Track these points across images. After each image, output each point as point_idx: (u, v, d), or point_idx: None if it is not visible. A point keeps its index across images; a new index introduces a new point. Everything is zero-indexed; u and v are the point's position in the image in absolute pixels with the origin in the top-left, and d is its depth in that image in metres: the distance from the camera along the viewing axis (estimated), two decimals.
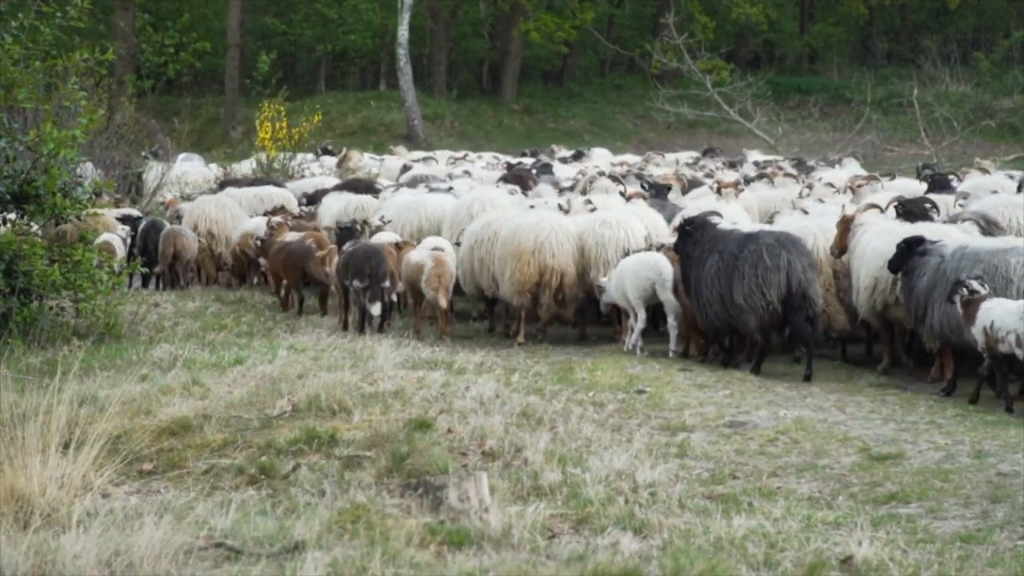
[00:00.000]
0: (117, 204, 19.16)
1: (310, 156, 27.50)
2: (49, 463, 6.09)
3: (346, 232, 13.09)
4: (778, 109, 40.88)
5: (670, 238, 12.33)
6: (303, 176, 24.15)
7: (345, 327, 12.82)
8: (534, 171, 22.26)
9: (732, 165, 26.08)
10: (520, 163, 25.46)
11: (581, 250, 12.65)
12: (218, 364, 9.39)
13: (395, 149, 31.85)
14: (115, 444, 6.78)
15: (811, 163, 26.84)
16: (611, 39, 49.82)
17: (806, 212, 13.99)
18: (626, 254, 12.23)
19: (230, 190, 18.90)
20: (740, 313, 10.85)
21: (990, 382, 9.56)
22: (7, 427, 6.43)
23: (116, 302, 11.59)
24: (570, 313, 13.00)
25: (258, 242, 15.32)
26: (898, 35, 54.93)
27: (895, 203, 12.69)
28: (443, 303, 12.49)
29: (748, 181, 19.88)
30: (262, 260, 15.27)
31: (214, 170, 25.88)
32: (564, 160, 27.98)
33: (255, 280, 16.27)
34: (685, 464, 7.53)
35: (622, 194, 15.80)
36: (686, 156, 29.46)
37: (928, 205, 12.71)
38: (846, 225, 11.58)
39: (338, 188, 18.45)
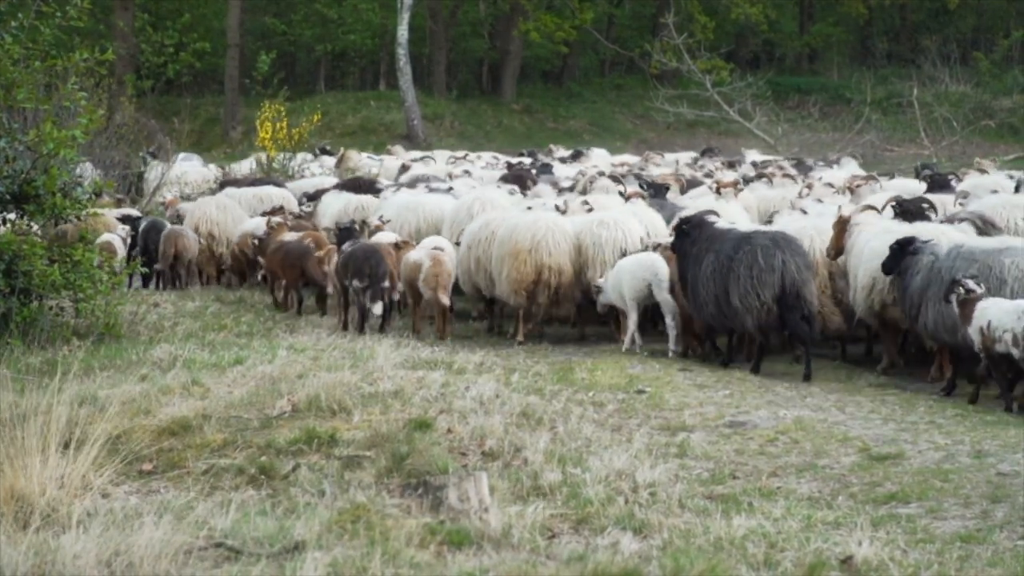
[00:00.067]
0: (119, 204, 19.17)
1: (308, 156, 27.49)
2: (49, 463, 6.09)
3: (345, 232, 13.09)
4: (778, 109, 40.90)
5: (668, 238, 12.34)
6: (303, 176, 24.15)
7: (345, 327, 12.82)
8: (534, 171, 22.28)
9: (731, 165, 26.09)
10: (520, 163, 25.47)
11: (579, 250, 12.68)
12: (218, 364, 9.39)
13: (392, 149, 31.84)
14: (115, 444, 6.77)
15: (809, 163, 26.87)
16: (611, 39, 49.82)
17: (805, 212, 14.01)
18: (623, 254, 12.25)
19: (229, 190, 18.89)
20: (737, 314, 10.87)
21: (999, 383, 9.56)
22: (7, 427, 6.43)
23: (116, 302, 11.58)
24: (563, 312, 13.05)
25: (256, 241, 15.33)
26: (898, 35, 54.93)
27: (893, 203, 12.70)
28: (444, 301, 12.48)
29: (747, 181, 19.89)
30: (260, 259, 15.29)
31: (213, 170, 25.88)
32: (563, 160, 27.99)
33: (260, 278, 16.25)
34: (685, 464, 7.54)
35: (621, 194, 15.81)
36: (686, 156, 29.46)
37: (926, 205, 12.72)
38: (842, 226, 11.59)
39: (339, 187, 18.44)
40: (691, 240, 11.46)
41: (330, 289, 13.57)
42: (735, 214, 13.66)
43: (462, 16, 49.51)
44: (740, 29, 50.87)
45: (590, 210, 13.88)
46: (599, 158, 28.17)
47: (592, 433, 8.04)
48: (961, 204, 13.96)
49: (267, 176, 22.90)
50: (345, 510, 6.08)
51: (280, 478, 6.72)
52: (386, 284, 12.43)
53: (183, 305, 14.17)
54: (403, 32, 40.21)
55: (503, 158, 28.80)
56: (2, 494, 5.90)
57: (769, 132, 37.56)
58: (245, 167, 26.20)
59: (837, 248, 11.61)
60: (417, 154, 29.57)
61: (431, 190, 16.99)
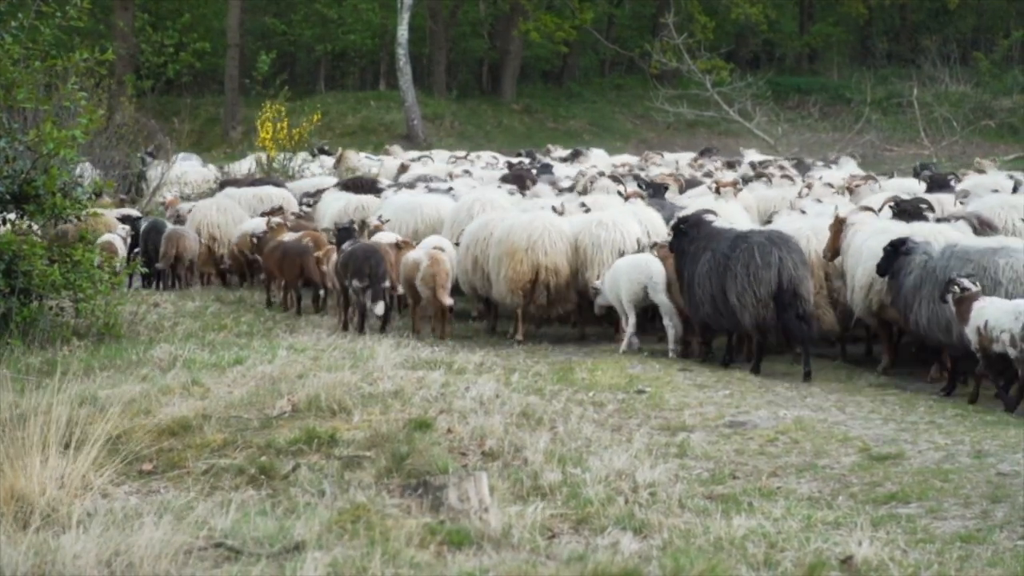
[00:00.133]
0: (122, 204, 19.18)
1: (307, 156, 27.49)
2: (49, 463, 6.09)
3: (344, 232, 13.09)
4: (778, 109, 40.90)
5: (668, 237, 12.36)
6: (303, 176, 24.16)
7: (345, 327, 12.81)
8: (534, 171, 22.28)
9: (731, 165, 26.12)
10: (520, 163, 25.48)
11: (577, 251, 12.69)
12: (218, 364, 9.39)
13: (390, 149, 31.87)
14: (115, 444, 6.77)
15: (808, 162, 26.90)
16: (611, 39, 49.82)
17: (804, 212, 14.02)
18: (622, 255, 12.27)
19: (229, 190, 18.90)
20: (734, 312, 10.88)
21: (995, 383, 9.57)
22: (7, 427, 6.43)
23: (116, 302, 11.59)
24: (561, 312, 13.08)
25: (254, 239, 15.33)
26: (898, 35, 54.93)
27: (891, 203, 12.71)
28: (444, 301, 12.47)
29: (746, 181, 19.91)
30: (258, 257, 15.31)
31: (212, 171, 25.88)
32: (564, 160, 28.00)
33: (262, 277, 16.25)
34: (685, 464, 7.54)
35: (620, 194, 15.83)
36: (686, 157, 29.46)
37: (924, 205, 12.72)
38: (838, 227, 11.60)
39: (341, 187, 18.45)
40: (689, 239, 11.49)
41: (329, 287, 13.58)
42: (734, 214, 13.67)
43: (462, 16, 49.50)
44: (740, 29, 50.87)
45: (587, 211, 13.91)
46: (597, 158, 28.18)
47: (592, 433, 8.04)
48: (961, 203, 13.96)
49: (267, 176, 22.91)
50: (345, 510, 6.08)
51: (280, 478, 6.71)
52: (386, 284, 12.44)
53: (183, 305, 14.17)
54: (403, 32, 40.21)
55: (503, 158, 28.81)
56: (2, 494, 5.90)
57: (769, 132, 37.56)
58: (244, 167, 26.20)
59: (833, 249, 11.62)
60: (415, 154, 29.59)
61: (431, 190, 17.00)
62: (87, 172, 16.90)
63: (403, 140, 38.47)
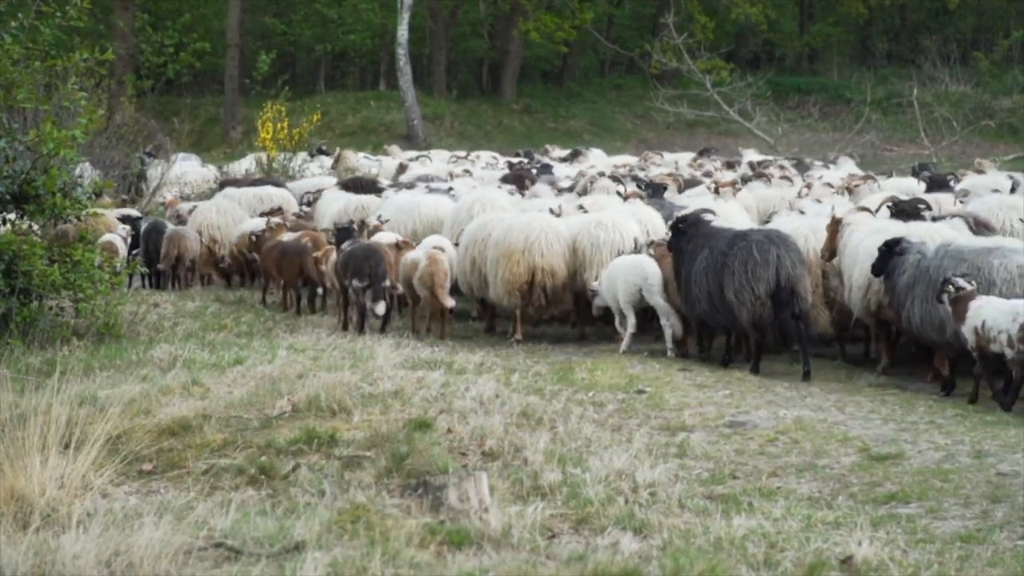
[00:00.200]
0: (124, 204, 19.18)
1: (306, 156, 27.50)
2: (49, 463, 6.09)
3: (344, 232, 13.09)
4: (778, 109, 40.91)
5: (665, 236, 12.38)
6: (303, 176, 24.17)
7: (345, 327, 12.81)
8: (535, 171, 22.29)
9: (730, 165, 26.13)
10: (520, 163, 25.49)
11: (576, 251, 12.70)
12: (218, 364, 9.38)
13: (388, 148, 31.88)
14: (115, 444, 6.77)
15: (807, 162, 26.93)
16: (611, 39, 49.82)
17: (803, 212, 14.02)
18: (621, 255, 12.27)
19: (229, 190, 18.92)
20: (731, 309, 10.88)
21: (989, 383, 9.57)
22: (7, 427, 6.43)
23: (116, 302, 11.59)
24: (552, 313, 13.09)
25: (253, 237, 15.34)
26: (898, 35, 54.93)
27: (888, 203, 12.72)
28: (443, 301, 12.46)
29: (745, 181, 19.93)
30: (255, 256, 15.32)
31: (212, 171, 25.89)
32: (563, 160, 28.01)
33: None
34: (685, 464, 7.54)
35: (620, 194, 15.84)
36: (686, 157, 29.47)
37: (922, 205, 12.73)
38: (835, 227, 11.61)
39: (341, 187, 18.45)
40: (687, 238, 11.51)
41: (328, 287, 13.57)
42: (734, 214, 13.69)
43: (462, 16, 49.51)
44: (740, 29, 50.87)
45: (584, 212, 13.93)
46: (596, 159, 28.20)
47: (592, 433, 8.04)
48: (961, 203, 13.97)
49: (267, 176, 22.91)
50: (345, 510, 6.07)
51: (280, 478, 6.71)
52: (387, 283, 12.44)
53: (183, 305, 14.17)
54: (403, 32, 40.22)
55: (502, 158, 28.81)
56: (2, 494, 5.90)
57: (769, 132, 37.57)
58: (243, 167, 26.20)
59: (831, 249, 11.63)
60: (413, 154, 29.59)
61: (431, 191, 17.00)
62: (86, 172, 16.90)
63: (403, 140, 38.48)
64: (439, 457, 6.90)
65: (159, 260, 15.91)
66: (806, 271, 11.11)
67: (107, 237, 14.74)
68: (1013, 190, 16.10)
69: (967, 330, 9.40)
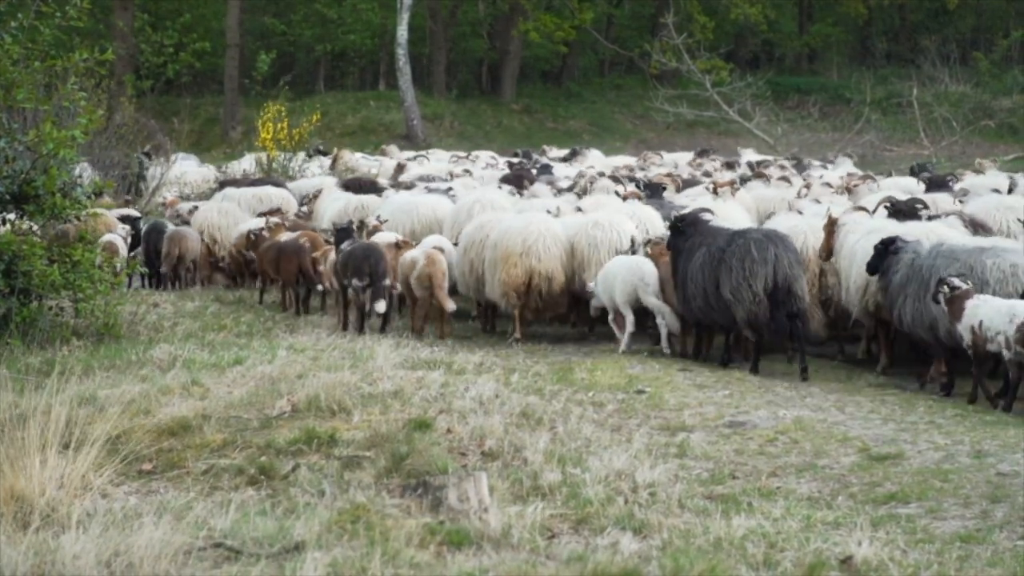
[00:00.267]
0: (125, 204, 19.18)
1: (304, 156, 27.51)
2: (49, 463, 6.09)
3: (343, 232, 13.09)
4: (777, 109, 40.93)
5: (662, 234, 12.40)
6: (303, 176, 24.17)
7: (344, 327, 12.81)
8: (534, 171, 22.29)
9: (729, 165, 26.14)
10: (521, 163, 25.50)
11: (574, 252, 12.70)
12: (218, 364, 9.38)
13: (386, 148, 31.89)
14: (115, 444, 6.77)
15: (806, 162, 26.96)
16: (610, 39, 49.81)
17: (801, 212, 14.03)
18: (618, 255, 12.29)
19: (229, 190, 18.91)
20: (728, 307, 10.88)
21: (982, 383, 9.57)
22: (7, 427, 6.43)
23: (116, 302, 11.58)
24: (556, 312, 13.11)
25: (251, 235, 15.34)
26: (897, 35, 54.92)
27: (886, 203, 12.73)
28: (445, 303, 12.44)
29: (744, 181, 19.94)
30: (252, 254, 15.33)
31: (211, 171, 25.89)
32: (563, 160, 28.01)
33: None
34: (685, 464, 7.54)
35: (618, 194, 15.85)
36: (686, 157, 29.47)
37: (919, 205, 12.73)
38: (831, 227, 11.62)
39: (341, 187, 18.46)
40: (685, 237, 11.53)
41: (326, 287, 13.57)
42: (733, 214, 13.69)
43: (462, 16, 49.50)
44: (740, 29, 50.86)
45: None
46: (595, 159, 28.20)
47: (592, 433, 8.04)
48: (960, 203, 13.97)
49: (267, 176, 22.91)
50: (345, 510, 6.08)
51: (280, 478, 6.71)
52: (387, 282, 12.43)
53: (183, 305, 14.17)
54: (403, 32, 40.22)
55: (502, 159, 28.81)
56: (2, 494, 5.90)
57: (769, 132, 37.58)
58: (242, 167, 26.20)
59: (828, 249, 11.65)
60: (411, 153, 29.59)
61: (430, 191, 17.01)
62: (86, 172, 16.90)
63: (403, 140, 38.48)
64: (439, 457, 6.90)
65: (159, 260, 15.91)
66: (803, 271, 11.11)
67: (107, 237, 14.73)
68: (1011, 190, 16.11)
69: (963, 328, 9.39)
